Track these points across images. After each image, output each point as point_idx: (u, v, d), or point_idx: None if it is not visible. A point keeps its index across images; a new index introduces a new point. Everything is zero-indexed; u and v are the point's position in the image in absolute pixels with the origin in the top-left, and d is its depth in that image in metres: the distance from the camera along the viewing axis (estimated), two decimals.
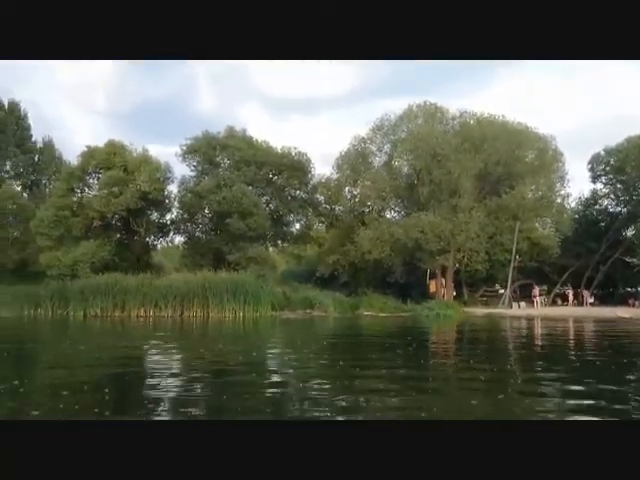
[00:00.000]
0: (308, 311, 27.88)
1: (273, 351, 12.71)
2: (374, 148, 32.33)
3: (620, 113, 78.68)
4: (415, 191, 29.59)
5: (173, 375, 8.44)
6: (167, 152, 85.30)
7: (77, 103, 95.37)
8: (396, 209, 33.24)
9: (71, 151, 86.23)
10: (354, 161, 31.92)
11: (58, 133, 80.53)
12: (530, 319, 25.61)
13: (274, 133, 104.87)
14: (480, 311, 28.80)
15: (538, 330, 19.56)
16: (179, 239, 39.91)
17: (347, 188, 34.38)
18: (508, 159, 29.71)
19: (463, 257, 28.74)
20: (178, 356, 11.41)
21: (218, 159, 35.31)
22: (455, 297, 31.88)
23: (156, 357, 11.22)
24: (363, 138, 32.23)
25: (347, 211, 34.13)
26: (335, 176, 33.81)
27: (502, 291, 33.84)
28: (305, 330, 20.07)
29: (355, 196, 34.49)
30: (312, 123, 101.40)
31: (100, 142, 34.68)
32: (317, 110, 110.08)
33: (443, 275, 31.15)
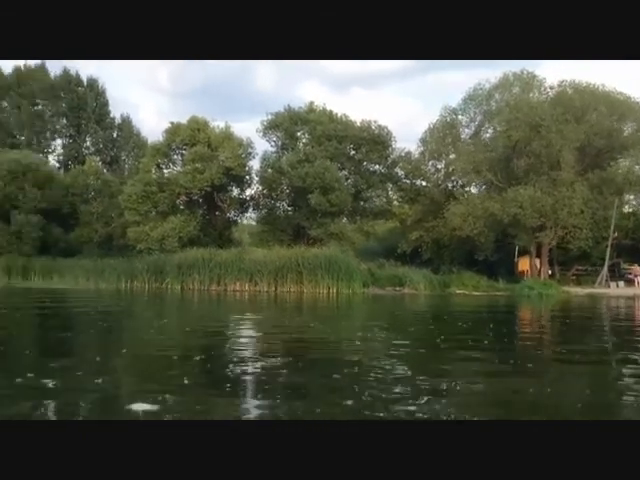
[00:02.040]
0: (398, 288, 27.37)
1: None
2: (466, 119, 31.20)
3: None
4: (511, 164, 28.36)
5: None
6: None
7: (139, 80, 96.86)
8: (482, 183, 31.96)
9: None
10: (442, 132, 30.89)
11: (123, 110, 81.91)
12: (633, 299, 24.35)
13: (335, 107, 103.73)
14: (580, 291, 27.58)
15: None
16: (250, 215, 40.10)
17: (431, 162, 33.46)
18: (610, 130, 28.07)
19: (565, 234, 27.47)
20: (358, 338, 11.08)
21: (299, 134, 34.95)
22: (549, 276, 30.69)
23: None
24: (454, 109, 31.15)
25: (432, 186, 33.18)
26: (419, 149, 32.89)
27: (590, 269, 32.43)
28: (424, 308, 19.61)
29: (439, 170, 33.56)
30: (374, 96, 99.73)
31: (164, 119, 35.10)
32: (378, 83, 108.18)
33: (537, 253, 29.96)
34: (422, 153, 33.20)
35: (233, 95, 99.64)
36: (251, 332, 10.82)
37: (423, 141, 32.55)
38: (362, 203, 37.11)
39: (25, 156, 36.39)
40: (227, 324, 12.40)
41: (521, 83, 29.08)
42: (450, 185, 33.61)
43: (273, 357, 7.21)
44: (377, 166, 36.33)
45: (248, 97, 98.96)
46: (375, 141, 34.69)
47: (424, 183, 34.41)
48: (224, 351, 8.01)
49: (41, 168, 36.69)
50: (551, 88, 29.51)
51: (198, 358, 7.12)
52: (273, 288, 25.09)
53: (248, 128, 41.78)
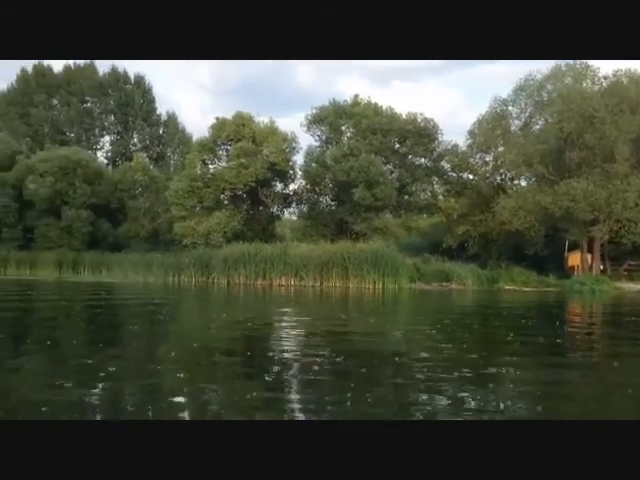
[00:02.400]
0: (445, 284, 26.95)
1: None
2: (516, 110, 30.38)
3: None
4: (563, 156, 27.45)
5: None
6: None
7: (182, 78, 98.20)
8: (532, 176, 31.01)
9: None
10: (492, 124, 30.15)
11: (167, 107, 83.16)
12: None
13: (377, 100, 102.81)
14: (634, 286, 26.53)
15: None
16: (292, 210, 40.06)
17: (479, 154, 32.75)
18: None
19: (619, 228, 26.48)
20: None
21: (344, 128, 34.71)
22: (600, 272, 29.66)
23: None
24: (504, 100, 30.33)
25: (479, 179, 32.50)
26: (468, 142, 32.22)
27: None
28: (488, 305, 19.22)
29: (487, 163, 32.81)
30: (414, 89, 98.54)
31: (206, 116, 35.40)
32: (418, 75, 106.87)
33: (589, 248, 28.99)
34: (470, 146, 32.51)
35: (273, 91, 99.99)
36: (314, 328, 10.71)
37: (471, 133, 31.85)
38: (406, 197, 36.65)
39: (75, 152, 37.27)
40: (285, 319, 12.39)
41: (574, 73, 28.04)
42: (499, 178, 32.86)
43: (353, 356, 7.00)
44: (422, 159, 35.79)
45: (288, 93, 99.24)
46: (421, 134, 34.15)
47: (471, 176, 33.73)
48: (293, 347, 7.93)
49: (91, 164, 37.49)
50: (605, 78, 28.35)
51: (271, 354, 7.06)
52: (318, 283, 25.02)
53: (289, 124, 42.08)
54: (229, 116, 34.57)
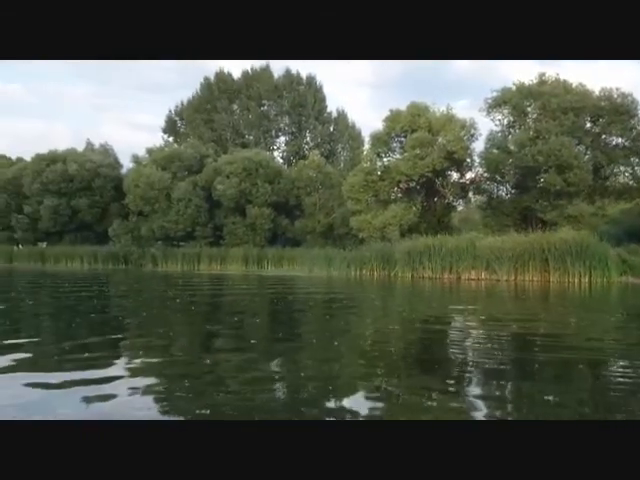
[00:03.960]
0: None
1: None
2: None
3: None
4: None
5: None
6: None
7: (344, 75, 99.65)
8: None
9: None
10: None
11: (333, 105, 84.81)
12: None
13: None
14: None
15: None
16: (465, 200, 38.13)
17: None
18: None
19: None
20: None
21: (529, 109, 32.16)
22: None
23: None
24: None
25: None
26: None
27: None
28: None
29: None
30: (586, 66, 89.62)
31: (369, 110, 34.79)
32: None
33: None
34: None
35: (434, 81, 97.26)
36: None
37: None
38: (600, 181, 33.08)
39: (256, 154, 39.13)
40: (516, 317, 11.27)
41: None
42: None
43: None
44: (620, 139, 32.17)
45: (450, 81, 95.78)
46: (618, 111, 30.69)
47: None
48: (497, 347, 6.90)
49: (270, 164, 39.12)
50: None
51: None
52: (512, 277, 23.18)
53: (455, 111, 39.79)
54: (406, 106, 33.84)
